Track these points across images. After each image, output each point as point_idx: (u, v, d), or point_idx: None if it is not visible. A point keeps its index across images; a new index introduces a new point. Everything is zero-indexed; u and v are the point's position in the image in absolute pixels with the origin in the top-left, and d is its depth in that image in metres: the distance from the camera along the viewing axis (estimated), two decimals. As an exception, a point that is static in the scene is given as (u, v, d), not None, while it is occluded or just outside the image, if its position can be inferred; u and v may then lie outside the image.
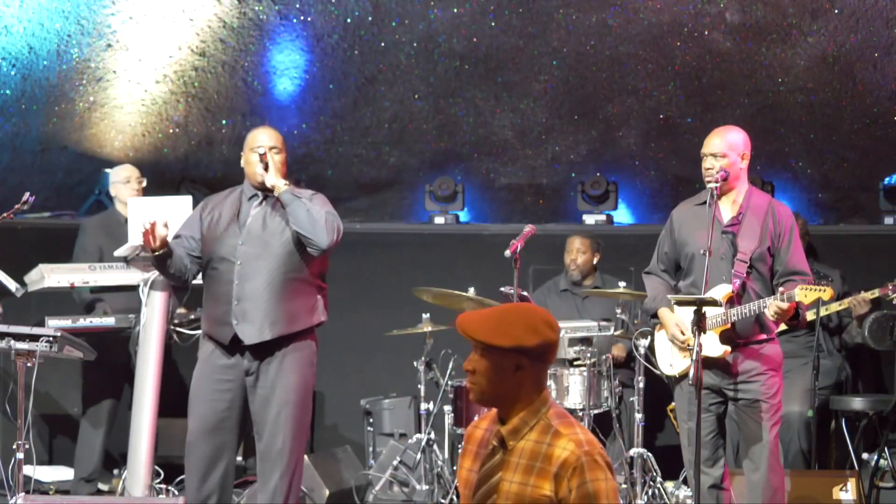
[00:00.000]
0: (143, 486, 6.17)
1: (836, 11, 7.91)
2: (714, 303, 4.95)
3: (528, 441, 3.20)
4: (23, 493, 5.34)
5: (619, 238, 8.16)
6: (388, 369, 7.96)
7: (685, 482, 6.42)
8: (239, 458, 7.00)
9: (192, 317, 6.64)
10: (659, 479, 6.60)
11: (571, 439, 3.16)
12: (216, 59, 8.45)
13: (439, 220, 8.64)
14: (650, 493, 6.58)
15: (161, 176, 8.66)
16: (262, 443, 5.15)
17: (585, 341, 6.69)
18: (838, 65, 8.20)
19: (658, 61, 8.43)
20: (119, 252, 6.43)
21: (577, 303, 7.53)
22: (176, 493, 6.68)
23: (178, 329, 6.54)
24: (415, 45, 8.47)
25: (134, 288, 6.43)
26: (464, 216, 8.89)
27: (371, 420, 7.71)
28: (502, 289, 6.29)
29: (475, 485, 3.23)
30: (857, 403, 7.04)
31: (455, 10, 8.26)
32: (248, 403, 5.17)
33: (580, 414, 6.65)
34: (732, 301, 5.08)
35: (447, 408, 6.92)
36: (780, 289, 4.98)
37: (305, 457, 6.82)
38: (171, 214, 6.08)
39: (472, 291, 6.78)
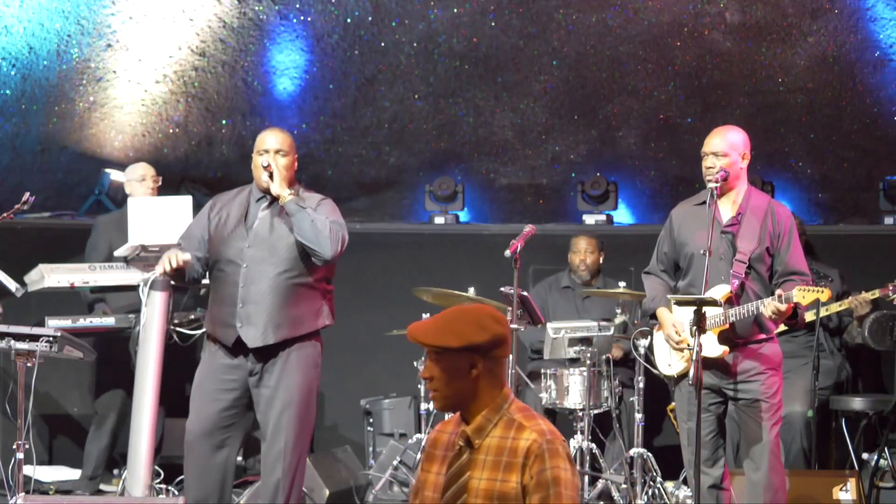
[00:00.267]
0: (143, 486, 6.16)
1: (836, 11, 7.91)
2: (714, 303, 4.95)
3: (494, 438, 3.23)
4: (23, 493, 5.34)
5: (619, 238, 8.16)
6: (388, 369, 7.96)
7: (685, 482, 6.42)
8: (239, 458, 7.00)
9: (192, 317, 6.64)
10: (659, 479, 6.60)
11: (534, 430, 3.20)
12: (216, 59, 8.45)
13: (439, 220, 8.64)
14: (650, 493, 6.58)
15: (161, 176, 8.66)
16: (266, 443, 5.15)
17: (585, 341, 6.69)
18: (838, 65, 8.21)
19: (658, 61, 8.43)
20: (119, 252, 6.43)
21: (577, 302, 7.53)
22: (176, 493, 6.68)
23: (178, 329, 6.53)
24: (415, 45, 8.47)
25: (134, 288, 6.43)
26: (464, 216, 8.89)
27: (371, 420, 7.71)
28: (502, 289, 6.29)
29: (444, 486, 3.25)
30: (857, 403, 7.04)
31: (455, 10, 8.26)
32: (250, 404, 5.17)
33: (580, 414, 6.65)
34: (731, 301, 5.08)
35: (447, 408, 6.91)
36: (778, 290, 4.97)
37: (306, 457, 6.82)
38: (171, 214, 6.08)
39: (472, 291, 6.78)
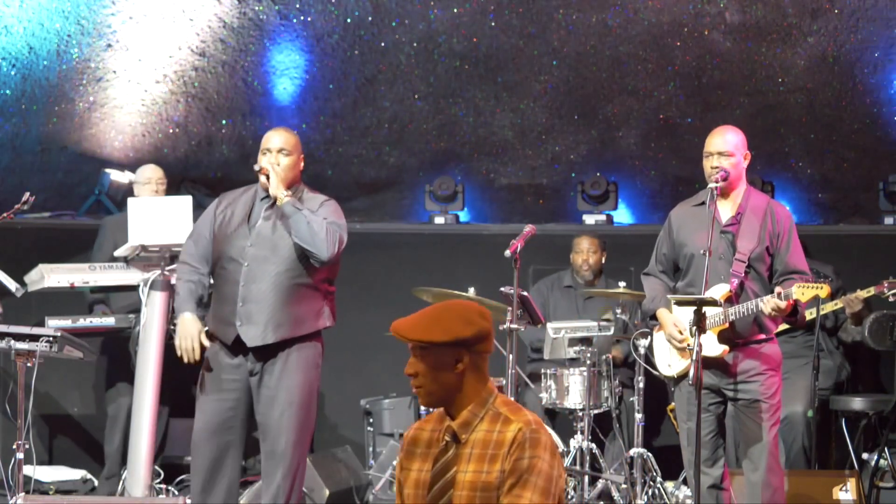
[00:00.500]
0: (143, 486, 6.17)
1: (836, 11, 7.91)
2: (714, 303, 4.95)
3: (480, 432, 3.24)
4: (23, 493, 5.34)
5: (619, 238, 8.16)
6: (388, 369, 7.95)
7: (685, 482, 6.42)
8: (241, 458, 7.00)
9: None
10: (659, 479, 6.60)
11: (520, 421, 3.22)
12: (216, 59, 8.45)
13: (439, 220, 8.64)
14: (650, 493, 6.58)
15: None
16: (266, 443, 5.15)
17: (585, 341, 6.69)
18: (838, 65, 8.21)
19: (658, 61, 8.43)
20: (119, 252, 6.43)
21: (578, 302, 7.53)
22: (176, 493, 6.68)
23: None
24: (415, 45, 8.47)
25: (134, 288, 6.43)
26: (464, 216, 8.88)
27: (371, 420, 7.71)
28: (502, 289, 6.29)
29: (429, 482, 3.25)
30: (857, 403, 7.04)
31: (455, 10, 8.26)
32: (252, 404, 5.17)
33: (580, 414, 6.65)
34: (731, 301, 5.08)
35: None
36: (778, 287, 4.98)
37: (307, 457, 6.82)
38: (171, 214, 6.09)
39: (472, 291, 6.77)
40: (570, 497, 6.45)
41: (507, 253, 5.91)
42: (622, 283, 6.99)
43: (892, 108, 8.37)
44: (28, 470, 6.29)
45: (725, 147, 5.16)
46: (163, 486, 6.71)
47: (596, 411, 6.72)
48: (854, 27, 7.98)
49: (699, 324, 4.88)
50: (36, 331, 5.40)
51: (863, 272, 7.21)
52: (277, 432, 5.09)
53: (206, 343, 5.15)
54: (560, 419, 7.11)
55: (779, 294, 4.92)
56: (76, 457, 7.77)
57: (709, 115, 8.43)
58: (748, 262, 5.11)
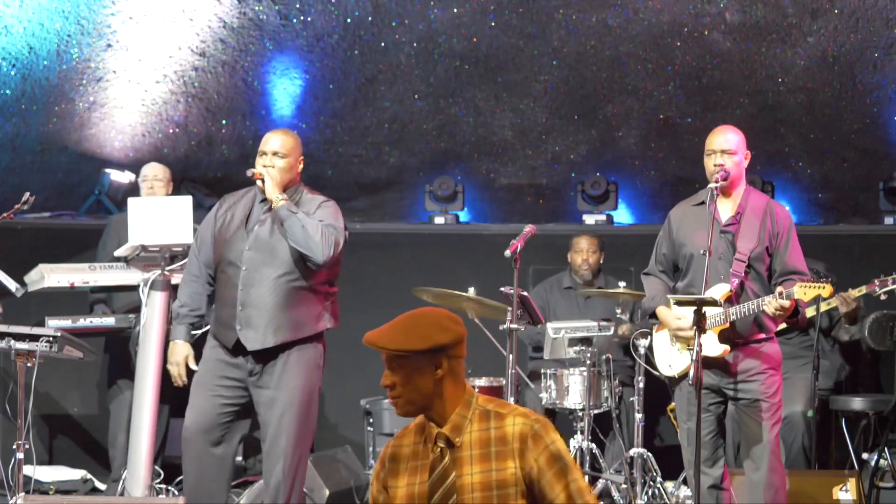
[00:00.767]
0: (143, 486, 6.16)
1: (836, 11, 7.91)
2: (714, 303, 4.95)
3: (473, 432, 3.25)
4: (23, 493, 5.34)
5: (619, 238, 8.16)
6: (388, 369, 7.94)
7: (685, 482, 6.42)
8: (239, 458, 7.01)
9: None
10: (659, 479, 6.60)
11: (517, 415, 3.24)
12: (216, 59, 8.45)
13: (439, 220, 8.64)
14: (650, 493, 6.58)
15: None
16: (266, 443, 5.15)
17: (585, 341, 6.69)
18: (838, 65, 8.21)
19: (658, 61, 8.43)
20: (119, 252, 6.43)
21: (579, 302, 7.53)
22: (176, 493, 6.68)
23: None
24: (415, 45, 8.47)
25: (134, 288, 6.43)
26: (464, 216, 8.89)
27: (371, 420, 7.71)
28: (502, 289, 6.29)
29: (428, 493, 3.24)
30: (857, 403, 7.04)
31: (455, 10, 8.26)
32: (251, 403, 5.17)
33: (580, 414, 6.65)
34: (731, 300, 5.08)
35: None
36: (779, 288, 4.98)
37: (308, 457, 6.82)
38: (171, 214, 6.08)
39: (472, 291, 6.77)
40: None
41: (507, 253, 5.90)
42: (622, 283, 6.99)
43: (892, 108, 8.37)
44: (28, 470, 6.29)
45: (728, 145, 5.16)
46: (163, 486, 6.70)
47: (596, 411, 6.71)
48: (854, 27, 7.98)
49: (699, 324, 4.88)
50: (36, 331, 5.40)
51: (863, 272, 7.21)
52: (277, 432, 5.09)
53: (193, 367, 5.26)
54: (560, 419, 7.11)
55: (780, 293, 4.92)
56: (76, 457, 7.78)
57: (709, 115, 8.44)
58: (748, 261, 5.11)
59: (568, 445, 6.66)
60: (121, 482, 6.38)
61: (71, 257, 7.19)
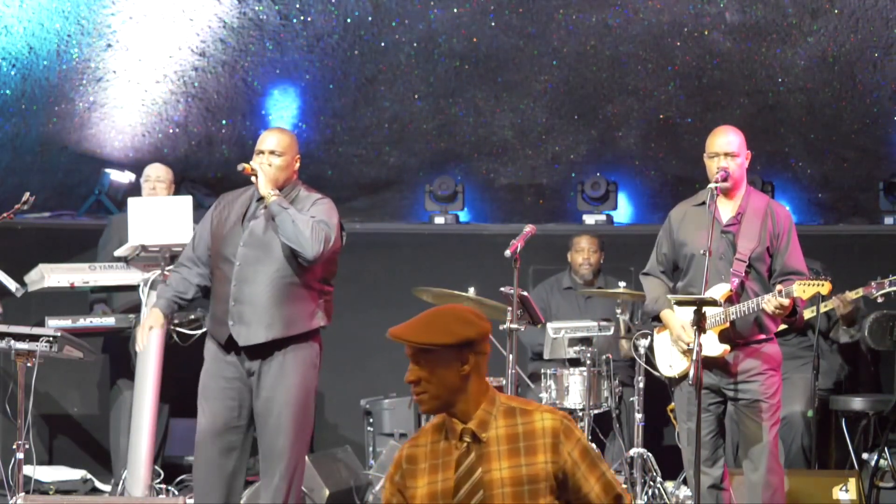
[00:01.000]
0: (143, 486, 6.17)
1: (836, 11, 7.91)
2: (713, 303, 4.95)
3: (500, 428, 3.25)
4: (23, 493, 5.35)
5: (619, 238, 8.16)
6: (388, 369, 7.94)
7: (685, 482, 6.42)
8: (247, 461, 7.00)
9: (192, 317, 6.64)
10: (659, 479, 6.60)
11: (543, 411, 3.26)
12: (216, 59, 8.45)
13: (439, 220, 8.64)
14: (650, 493, 6.58)
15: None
16: (264, 443, 5.15)
17: (585, 341, 6.68)
18: (838, 65, 8.21)
19: (658, 61, 8.43)
20: (119, 252, 6.43)
21: (579, 302, 7.53)
22: (176, 492, 6.68)
23: (178, 329, 6.53)
24: (415, 45, 8.47)
25: (134, 288, 6.43)
26: (464, 216, 8.89)
27: (371, 420, 7.71)
28: (502, 289, 6.29)
29: (454, 487, 3.23)
30: (857, 403, 7.04)
31: (455, 10, 8.26)
32: (253, 403, 5.17)
33: (580, 414, 6.65)
34: (731, 300, 5.09)
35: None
36: (779, 286, 4.99)
37: (305, 457, 6.82)
38: (171, 214, 6.09)
39: (472, 291, 6.77)
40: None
41: (507, 253, 5.91)
42: (622, 283, 6.99)
43: (892, 108, 8.37)
44: (28, 470, 6.29)
45: (731, 147, 5.17)
46: (163, 486, 6.70)
47: (596, 411, 6.71)
48: (854, 27, 7.98)
49: (699, 324, 4.88)
50: (36, 331, 5.41)
51: (862, 272, 7.21)
52: (275, 432, 5.09)
53: (157, 328, 5.26)
54: (560, 419, 7.09)
55: (779, 292, 4.92)
56: (76, 457, 7.78)
57: (709, 115, 8.44)
58: (748, 261, 5.11)
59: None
60: (121, 482, 6.38)
61: (71, 257, 7.19)
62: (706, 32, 8.22)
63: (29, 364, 5.34)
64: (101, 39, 8.17)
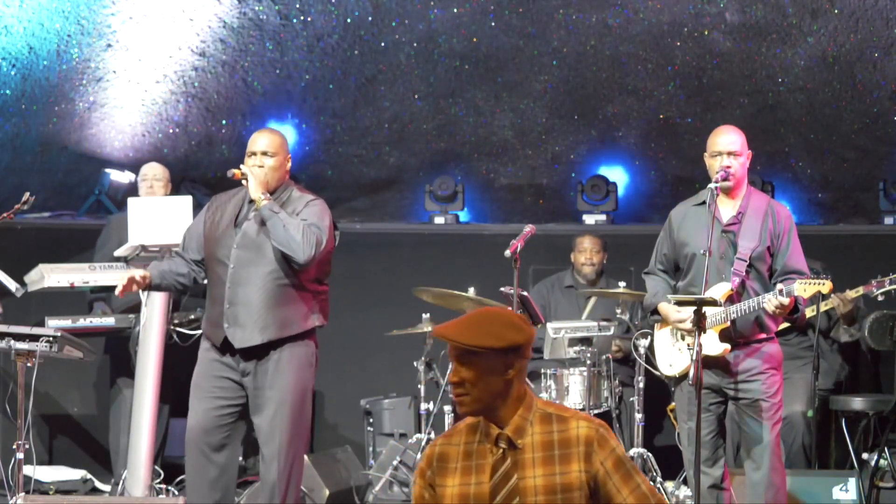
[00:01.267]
0: (143, 486, 6.17)
1: (836, 11, 7.91)
2: (713, 302, 4.95)
3: (536, 435, 3.22)
4: (23, 493, 5.34)
5: (620, 238, 8.16)
6: (388, 369, 7.96)
7: (685, 482, 6.42)
8: (239, 458, 7.00)
9: (192, 317, 6.64)
10: (659, 479, 6.61)
11: (580, 419, 3.23)
12: (216, 59, 8.45)
13: (439, 220, 8.64)
14: (650, 493, 6.57)
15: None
16: (261, 443, 5.15)
17: (585, 341, 6.69)
18: (838, 65, 8.21)
19: (658, 61, 8.44)
20: (119, 252, 6.43)
21: (579, 302, 7.53)
22: (176, 493, 6.68)
23: (178, 329, 6.53)
24: (415, 45, 8.47)
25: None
26: (464, 216, 8.89)
27: (371, 420, 7.71)
28: (502, 289, 6.29)
29: (490, 493, 3.20)
30: (857, 403, 7.04)
31: (455, 10, 8.27)
32: (248, 405, 5.17)
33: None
34: (732, 300, 5.09)
35: (447, 408, 6.92)
36: (780, 285, 4.99)
37: (305, 457, 6.81)
38: (171, 214, 6.08)
39: (472, 291, 6.78)
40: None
41: (507, 253, 5.91)
42: (622, 283, 6.99)
43: (892, 108, 8.37)
44: (28, 470, 6.29)
45: (733, 147, 5.17)
46: (163, 486, 6.70)
47: (596, 411, 6.71)
48: (854, 27, 7.98)
49: (699, 324, 4.88)
50: (36, 331, 5.40)
51: (862, 272, 7.21)
52: (271, 433, 5.10)
53: (137, 276, 5.18)
54: (560, 419, 7.09)
55: (780, 291, 4.93)
56: (76, 457, 7.78)
57: (709, 115, 8.44)
58: (749, 261, 5.11)
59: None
60: (121, 482, 6.38)
61: (71, 257, 7.19)
62: (706, 32, 8.22)
63: (29, 364, 5.33)
64: (101, 39, 8.17)
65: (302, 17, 8.32)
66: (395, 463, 7.07)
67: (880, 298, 6.49)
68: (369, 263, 8.32)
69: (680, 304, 5.08)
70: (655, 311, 5.36)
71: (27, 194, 5.83)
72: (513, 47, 8.47)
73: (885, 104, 8.35)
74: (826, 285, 4.90)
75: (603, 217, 8.53)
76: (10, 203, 6.07)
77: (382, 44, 8.47)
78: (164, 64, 8.40)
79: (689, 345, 5.09)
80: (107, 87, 8.45)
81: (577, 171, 8.97)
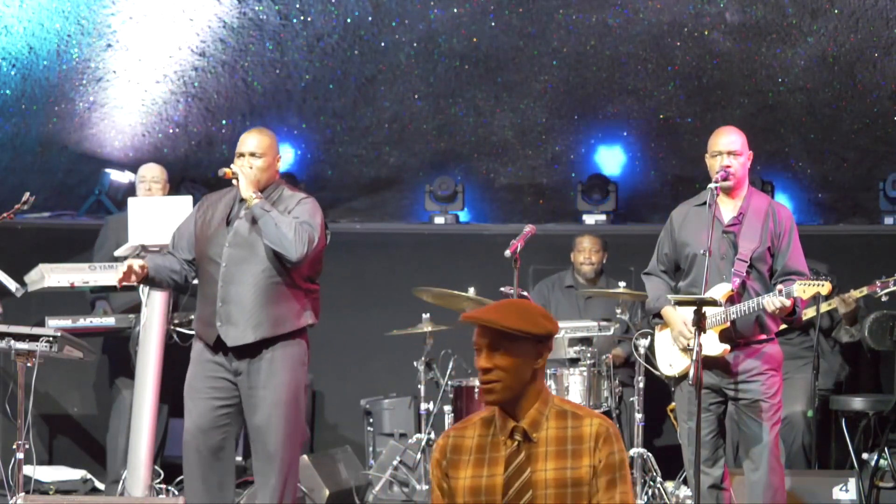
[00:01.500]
0: (143, 486, 6.16)
1: (836, 11, 7.91)
2: (714, 303, 4.95)
3: (550, 429, 3.23)
4: (23, 493, 5.34)
5: (619, 238, 8.16)
6: (388, 369, 7.96)
7: (685, 482, 6.42)
8: (239, 459, 7.01)
9: (192, 317, 6.63)
10: (659, 479, 6.60)
11: (594, 417, 3.25)
12: (216, 59, 8.45)
13: (439, 220, 8.64)
14: (650, 493, 6.58)
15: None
16: (257, 444, 5.16)
17: (585, 341, 6.69)
18: (838, 65, 8.21)
19: (658, 61, 8.43)
20: (119, 252, 6.43)
21: (579, 302, 7.53)
22: (176, 493, 6.67)
23: (178, 329, 6.53)
24: (415, 45, 8.47)
25: (134, 288, 6.42)
26: (464, 216, 8.89)
27: (371, 420, 7.71)
28: (502, 289, 6.29)
29: (504, 485, 3.21)
30: (857, 403, 7.04)
31: (455, 10, 8.27)
32: (242, 403, 5.18)
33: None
34: (732, 300, 5.09)
35: (447, 408, 6.92)
36: (780, 285, 4.99)
37: (305, 457, 6.81)
38: (171, 214, 6.08)
39: (472, 291, 6.78)
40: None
41: (507, 253, 5.91)
42: (622, 283, 6.99)
43: (892, 108, 8.37)
44: (28, 470, 6.29)
45: (734, 146, 5.17)
46: (163, 486, 6.70)
47: (596, 411, 6.71)
48: (854, 27, 7.98)
49: (699, 324, 4.88)
50: (36, 331, 5.40)
51: (863, 272, 7.21)
52: (266, 432, 5.10)
53: (136, 266, 5.14)
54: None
55: (780, 291, 4.93)
56: (76, 457, 7.78)
57: (709, 115, 8.44)
58: (750, 261, 5.11)
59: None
60: (120, 483, 6.38)
61: (71, 257, 7.18)
62: (706, 32, 8.22)
63: (29, 364, 5.33)
64: (101, 39, 8.17)
65: (302, 17, 8.32)
66: (395, 463, 7.08)
67: (884, 299, 6.49)
68: (369, 263, 8.32)
69: (680, 303, 5.08)
70: (658, 315, 5.35)
71: (27, 194, 5.83)
72: (513, 47, 8.47)
73: (885, 104, 8.35)
74: (825, 286, 4.91)
75: (603, 217, 8.53)
76: (10, 203, 6.06)
77: (382, 44, 8.47)
78: (164, 64, 8.40)
79: (689, 345, 5.09)
80: (107, 87, 8.45)
81: (577, 171, 8.97)
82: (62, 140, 8.64)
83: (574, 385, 6.72)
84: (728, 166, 5.14)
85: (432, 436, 6.91)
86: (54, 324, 6.47)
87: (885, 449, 6.64)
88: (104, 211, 8.53)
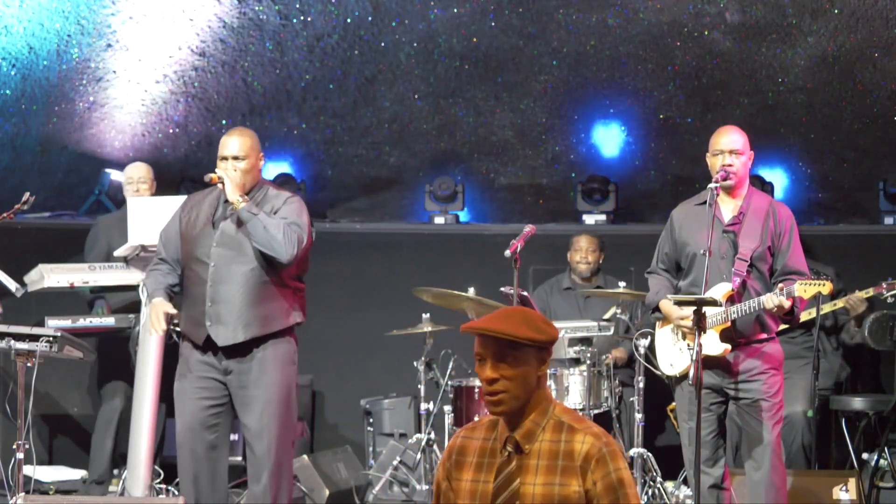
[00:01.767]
0: (143, 486, 6.16)
1: (836, 11, 7.91)
2: (714, 302, 4.95)
3: (544, 442, 3.18)
4: (23, 493, 5.34)
5: (620, 238, 8.16)
6: (388, 369, 7.96)
7: (685, 482, 6.42)
8: (238, 458, 7.00)
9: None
10: (659, 479, 6.60)
11: (588, 433, 3.16)
12: (216, 59, 8.45)
13: (439, 220, 8.64)
14: (650, 493, 6.58)
15: (161, 176, 8.64)
16: (249, 443, 5.17)
17: (585, 341, 6.69)
18: (838, 65, 8.21)
19: (658, 61, 8.43)
20: (119, 252, 6.43)
21: (578, 302, 7.53)
22: (176, 493, 6.67)
23: (179, 329, 6.52)
24: (415, 45, 8.47)
25: (134, 288, 6.42)
26: (464, 216, 8.88)
27: (371, 420, 7.71)
28: (502, 289, 6.29)
29: (493, 494, 3.19)
30: (857, 403, 7.04)
31: (455, 10, 8.26)
32: (233, 403, 5.18)
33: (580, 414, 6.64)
34: (733, 300, 5.09)
35: (447, 408, 6.92)
36: (780, 284, 4.99)
37: (305, 457, 6.82)
38: (170, 214, 6.09)
39: (472, 291, 6.77)
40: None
41: (507, 253, 5.91)
42: (622, 283, 6.99)
43: (892, 108, 8.37)
44: (28, 470, 6.29)
45: (735, 146, 5.18)
46: (163, 486, 6.70)
47: (596, 411, 6.71)
48: (854, 27, 7.98)
49: (699, 324, 4.87)
50: (36, 331, 5.40)
51: (863, 272, 7.22)
52: (259, 432, 5.11)
53: (172, 311, 5.15)
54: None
55: (780, 289, 4.93)
56: (76, 457, 7.77)
57: (709, 115, 8.44)
58: (750, 261, 5.11)
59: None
60: (121, 482, 6.38)
61: (71, 257, 7.18)
62: (706, 32, 8.22)
63: (29, 364, 5.33)
64: (101, 39, 8.17)
65: (302, 17, 8.32)
66: (395, 463, 7.08)
67: (890, 300, 6.49)
68: (369, 263, 8.32)
69: (680, 304, 5.08)
70: (657, 309, 5.36)
71: (27, 194, 5.82)
72: (513, 47, 8.47)
73: (885, 104, 8.35)
74: (826, 286, 4.91)
75: (603, 217, 8.53)
76: (10, 203, 6.06)
77: (382, 44, 8.47)
78: (164, 64, 8.40)
79: (689, 344, 5.09)
80: (107, 87, 8.45)
81: (576, 172, 8.97)
82: (62, 140, 8.64)
83: (574, 385, 6.72)
84: (729, 165, 5.15)
85: (432, 436, 6.92)
86: (54, 324, 6.46)
87: (885, 449, 6.65)
88: (104, 211, 8.52)
